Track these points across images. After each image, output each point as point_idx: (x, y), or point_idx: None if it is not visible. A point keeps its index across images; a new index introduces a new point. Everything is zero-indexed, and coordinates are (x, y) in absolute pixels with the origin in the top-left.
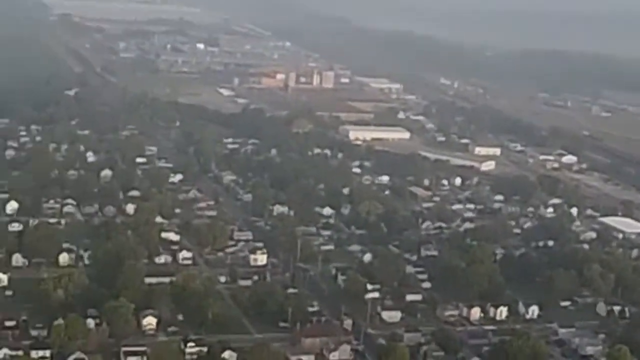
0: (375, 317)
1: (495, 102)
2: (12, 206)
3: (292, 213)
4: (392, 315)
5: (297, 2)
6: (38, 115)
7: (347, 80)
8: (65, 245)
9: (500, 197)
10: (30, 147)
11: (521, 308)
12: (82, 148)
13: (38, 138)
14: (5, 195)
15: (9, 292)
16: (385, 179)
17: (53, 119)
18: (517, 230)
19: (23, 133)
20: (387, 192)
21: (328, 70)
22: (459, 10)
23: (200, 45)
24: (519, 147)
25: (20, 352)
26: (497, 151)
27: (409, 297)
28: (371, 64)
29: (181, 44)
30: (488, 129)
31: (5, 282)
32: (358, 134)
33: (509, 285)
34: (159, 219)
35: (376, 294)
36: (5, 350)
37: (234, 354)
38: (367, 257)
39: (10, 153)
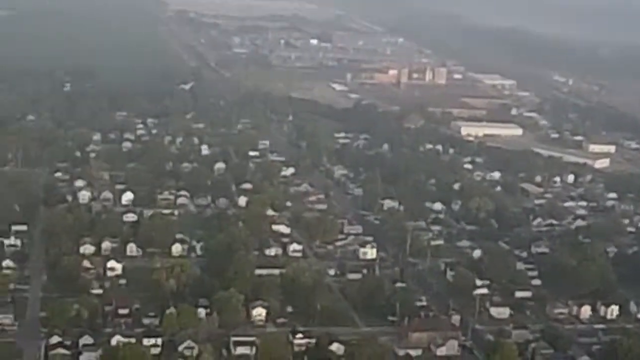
0: (484, 313)
1: (611, 100)
2: (127, 197)
3: (402, 208)
4: (501, 312)
5: None
6: (154, 108)
7: (459, 77)
8: (178, 236)
9: (613, 195)
10: (146, 139)
11: (633, 307)
12: (196, 141)
13: (154, 131)
14: (122, 186)
15: (122, 281)
16: (496, 175)
17: (169, 112)
18: (631, 229)
19: (140, 126)
20: (498, 189)
21: (441, 66)
22: (570, 5)
23: (314, 41)
24: (634, 145)
25: (132, 340)
26: (612, 149)
27: (518, 294)
28: (483, 60)
29: (295, 40)
30: (603, 127)
31: (120, 271)
32: (470, 130)
33: (620, 284)
34: (270, 212)
35: (485, 290)
36: (118, 337)
37: (342, 347)
38: (477, 253)
39: (127, 145)
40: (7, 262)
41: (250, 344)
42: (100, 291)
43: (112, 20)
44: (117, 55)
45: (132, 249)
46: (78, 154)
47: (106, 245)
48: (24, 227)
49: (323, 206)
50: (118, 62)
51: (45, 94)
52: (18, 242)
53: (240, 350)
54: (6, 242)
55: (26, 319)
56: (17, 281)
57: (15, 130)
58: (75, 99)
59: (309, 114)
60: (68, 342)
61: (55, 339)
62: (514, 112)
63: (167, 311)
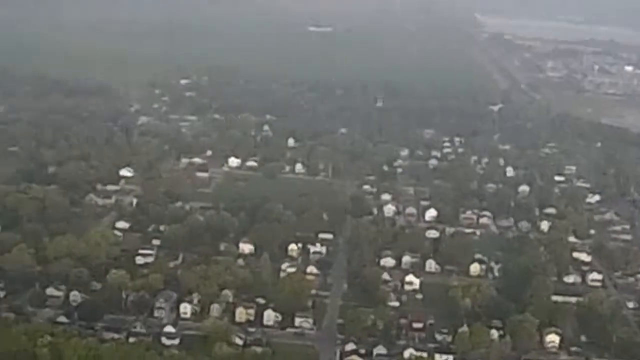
0: None
1: None
2: (431, 213)
3: None
4: None
5: None
6: (462, 127)
7: None
8: (477, 256)
9: None
10: (452, 157)
11: None
12: (501, 162)
13: (460, 150)
14: (426, 203)
15: (419, 296)
16: None
17: (476, 132)
18: None
19: (447, 144)
20: None
21: None
22: None
23: (629, 68)
24: None
25: (424, 354)
26: None
27: None
28: None
29: (609, 65)
30: None
31: (417, 286)
32: None
33: None
34: (572, 239)
35: None
36: (411, 351)
37: None
38: None
39: (433, 162)
40: (311, 268)
41: None
42: (396, 304)
43: (425, 38)
44: (429, 73)
45: (431, 265)
46: (385, 168)
47: (406, 259)
48: (329, 236)
49: (627, 237)
50: (429, 80)
51: (358, 108)
52: (323, 250)
53: None
54: (312, 249)
55: (324, 325)
56: (319, 287)
57: (328, 141)
58: (386, 115)
59: (619, 141)
60: (362, 351)
61: (350, 346)
62: None
63: (460, 329)
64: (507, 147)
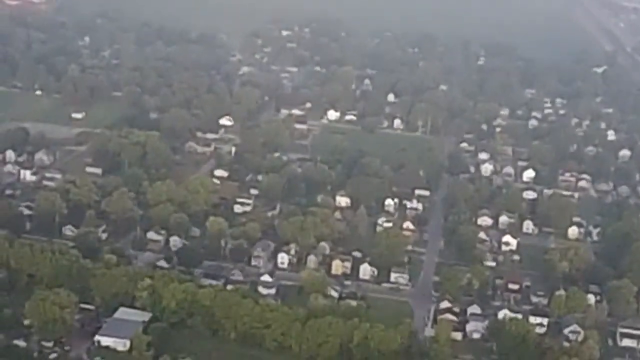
0: None
1: None
2: (529, 174)
3: None
4: None
5: None
6: (564, 89)
7: None
8: (575, 219)
9: None
10: (553, 119)
11: None
12: (603, 125)
13: (561, 111)
14: (524, 163)
15: (516, 257)
16: None
17: (578, 94)
18: None
19: (548, 105)
20: None
21: None
22: None
23: None
24: None
25: (519, 316)
26: None
27: None
28: None
29: None
30: None
31: (514, 247)
32: None
33: None
34: None
35: None
36: (506, 311)
37: None
38: None
39: (533, 123)
40: (407, 224)
41: (638, 337)
42: (493, 264)
43: None
44: (531, 33)
45: (528, 226)
46: (484, 127)
47: (503, 219)
48: (426, 193)
49: None
50: (531, 40)
51: (459, 66)
52: (420, 206)
53: (627, 342)
54: (408, 204)
55: (419, 281)
56: (415, 243)
57: (427, 98)
58: (487, 73)
59: None
60: (457, 309)
61: (444, 304)
62: None
63: (557, 292)
64: (609, 110)
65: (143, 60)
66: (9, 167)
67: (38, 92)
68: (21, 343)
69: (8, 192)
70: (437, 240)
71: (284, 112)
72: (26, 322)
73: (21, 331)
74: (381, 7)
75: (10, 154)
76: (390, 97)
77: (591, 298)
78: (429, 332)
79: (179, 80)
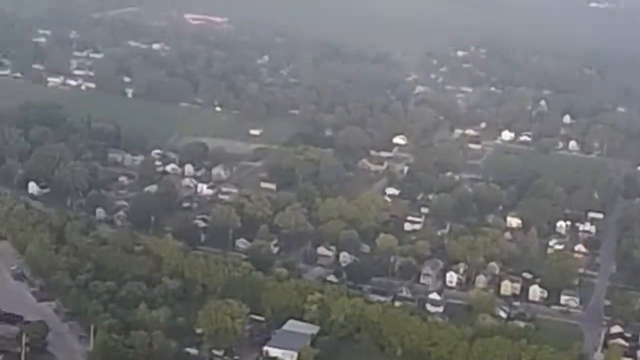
0: None
1: None
2: None
3: None
4: None
5: None
6: None
7: None
8: None
9: None
10: None
11: None
12: None
13: None
14: None
15: None
16: None
17: None
18: None
19: None
20: None
21: None
22: None
23: None
24: None
25: None
26: None
27: None
28: None
29: None
30: None
31: None
32: None
33: None
34: None
35: None
36: None
37: None
38: None
39: None
40: (579, 247)
41: None
42: None
43: None
44: None
45: None
46: None
47: None
48: (599, 215)
49: None
50: None
51: (637, 86)
52: (592, 229)
53: None
54: (581, 227)
55: (590, 305)
56: (586, 266)
57: (604, 119)
58: None
59: None
60: (628, 334)
61: (616, 329)
62: None
63: None
64: None
65: (320, 79)
66: (187, 181)
67: (217, 109)
68: (193, 351)
69: (185, 204)
70: (609, 263)
71: (458, 131)
72: (198, 330)
73: (193, 339)
74: (556, 29)
75: (189, 168)
76: (566, 119)
77: None
78: (599, 356)
79: (354, 99)
